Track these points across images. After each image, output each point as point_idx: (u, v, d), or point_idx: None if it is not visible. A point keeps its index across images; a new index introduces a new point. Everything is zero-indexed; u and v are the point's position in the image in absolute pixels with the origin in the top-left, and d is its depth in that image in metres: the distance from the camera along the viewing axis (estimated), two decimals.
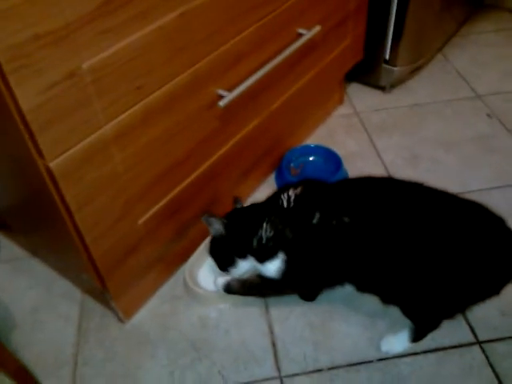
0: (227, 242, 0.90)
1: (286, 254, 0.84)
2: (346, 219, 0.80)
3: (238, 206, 0.97)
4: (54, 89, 0.62)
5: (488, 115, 1.47)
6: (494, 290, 0.81)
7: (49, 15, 0.58)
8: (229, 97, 0.90)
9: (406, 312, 0.88)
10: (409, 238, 0.78)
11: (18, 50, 0.56)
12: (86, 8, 0.61)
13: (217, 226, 0.90)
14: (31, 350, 0.97)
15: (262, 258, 0.86)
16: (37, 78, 0.60)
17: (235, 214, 0.94)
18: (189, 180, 0.94)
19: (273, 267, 0.86)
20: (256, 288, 0.94)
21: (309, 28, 1.07)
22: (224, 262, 0.93)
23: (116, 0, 0.64)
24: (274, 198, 0.88)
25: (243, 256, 0.89)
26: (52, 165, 0.67)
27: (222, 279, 0.96)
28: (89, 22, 0.62)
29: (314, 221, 0.81)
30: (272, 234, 0.84)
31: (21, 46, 0.56)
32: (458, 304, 0.85)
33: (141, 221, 0.87)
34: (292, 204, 0.85)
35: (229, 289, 0.95)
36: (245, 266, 0.92)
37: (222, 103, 0.89)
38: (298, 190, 0.86)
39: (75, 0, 0.60)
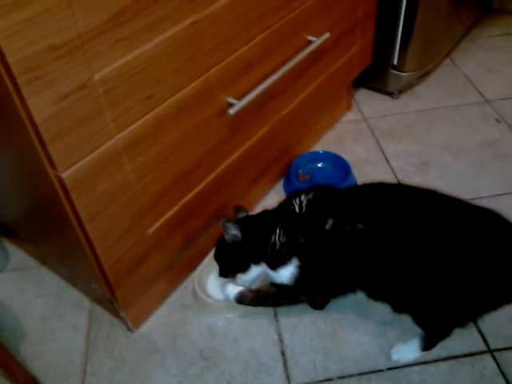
0: (242, 247, 0.89)
1: (300, 259, 0.83)
2: (360, 225, 0.79)
3: (240, 215, 0.96)
4: (66, 100, 0.62)
5: (497, 120, 1.47)
6: (507, 299, 0.81)
7: (62, 27, 0.57)
8: (238, 105, 0.89)
9: (418, 320, 0.88)
10: (421, 245, 0.77)
11: (33, 61, 0.56)
12: (98, 20, 0.61)
13: (234, 232, 0.89)
14: (40, 360, 0.97)
15: (275, 264, 0.86)
16: (50, 89, 0.59)
17: (249, 219, 0.93)
18: (198, 188, 0.94)
19: (286, 273, 0.85)
20: (271, 297, 0.93)
21: (318, 35, 1.06)
22: (233, 268, 0.93)
23: (127, 11, 0.64)
24: (286, 204, 0.87)
25: (257, 262, 0.89)
26: (64, 175, 0.67)
27: (234, 289, 0.94)
28: (101, 34, 0.62)
29: (327, 226, 0.81)
30: (285, 239, 0.83)
31: (35, 57, 0.56)
32: (470, 312, 0.85)
33: (151, 230, 0.87)
34: (304, 209, 0.84)
35: (241, 299, 0.94)
36: (255, 272, 0.91)
37: (231, 111, 0.88)
38: (310, 196, 0.86)
39: (88, 12, 0.59)
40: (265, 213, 0.92)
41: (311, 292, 0.92)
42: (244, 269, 0.90)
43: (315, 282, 0.87)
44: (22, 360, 0.96)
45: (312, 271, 0.85)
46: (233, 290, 0.94)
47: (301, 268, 0.84)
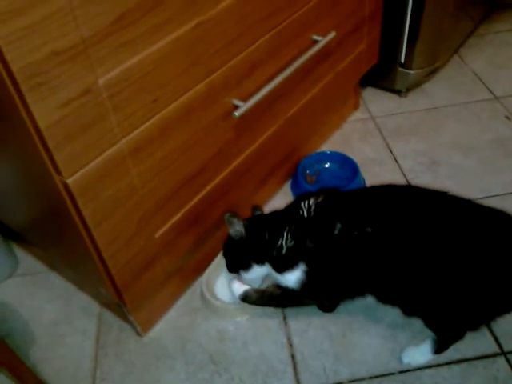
0: (246, 245, 0.89)
1: (307, 264, 0.82)
2: (369, 230, 0.78)
3: (257, 213, 0.96)
4: (70, 105, 0.61)
5: (507, 117, 1.44)
6: None
7: (64, 32, 0.57)
8: (244, 107, 0.88)
9: (429, 324, 0.87)
10: (433, 249, 0.76)
11: (36, 67, 0.56)
12: (101, 24, 0.60)
13: (238, 228, 0.89)
14: (50, 365, 0.97)
15: (282, 268, 0.85)
16: (54, 95, 0.59)
17: (256, 219, 0.93)
18: (205, 191, 0.93)
19: (292, 278, 0.85)
20: (276, 299, 0.93)
21: (324, 34, 1.05)
22: (237, 264, 0.93)
23: (131, 14, 0.64)
24: (294, 207, 0.87)
25: (261, 262, 0.88)
26: (69, 181, 0.66)
27: (240, 287, 0.94)
28: (104, 38, 0.62)
29: (336, 231, 0.80)
30: (292, 244, 0.83)
31: (38, 63, 0.56)
32: (483, 316, 0.83)
33: (158, 234, 0.86)
34: (312, 214, 0.83)
35: (246, 298, 0.94)
36: (259, 272, 0.91)
37: (237, 113, 0.88)
38: (319, 200, 0.85)
39: (90, 16, 0.59)
40: (272, 214, 0.92)
41: (317, 297, 0.92)
42: (246, 267, 0.90)
43: (322, 287, 0.86)
44: (32, 365, 0.96)
45: (319, 277, 0.84)
46: (239, 288, 0.94)
47: (308, 273, 0.83)
